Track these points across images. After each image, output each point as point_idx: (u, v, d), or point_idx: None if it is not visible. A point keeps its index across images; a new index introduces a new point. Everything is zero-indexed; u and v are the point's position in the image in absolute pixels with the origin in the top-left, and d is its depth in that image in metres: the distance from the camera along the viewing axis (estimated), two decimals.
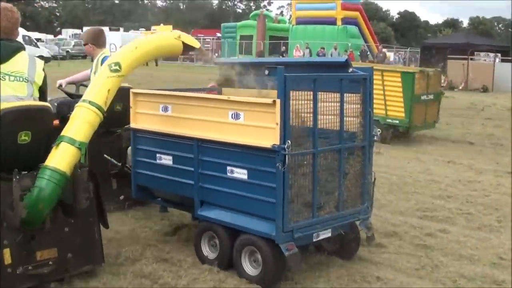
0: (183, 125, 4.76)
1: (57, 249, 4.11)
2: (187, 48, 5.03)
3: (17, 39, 4.22)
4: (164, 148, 4.98)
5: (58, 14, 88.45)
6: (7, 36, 4.10)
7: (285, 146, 3.98)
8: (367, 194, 4.79)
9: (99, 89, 4.34)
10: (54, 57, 39.82)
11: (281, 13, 79.17)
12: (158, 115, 4.99)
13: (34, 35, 51.92)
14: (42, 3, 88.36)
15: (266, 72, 4.80)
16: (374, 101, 4.92)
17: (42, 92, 4.19)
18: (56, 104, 6.13)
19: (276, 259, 4.20)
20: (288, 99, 4.04)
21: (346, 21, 39.19)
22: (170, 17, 74.66)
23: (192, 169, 4.70)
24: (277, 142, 4.01)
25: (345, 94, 4.55)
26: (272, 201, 4.11)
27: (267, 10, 65.21)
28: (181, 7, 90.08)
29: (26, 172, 3.96)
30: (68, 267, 4.17)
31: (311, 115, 4.35)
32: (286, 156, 4.00)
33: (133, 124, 5.22)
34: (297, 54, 34.42)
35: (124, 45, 5.14)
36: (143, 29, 56.11)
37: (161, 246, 5.03)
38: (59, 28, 71.54)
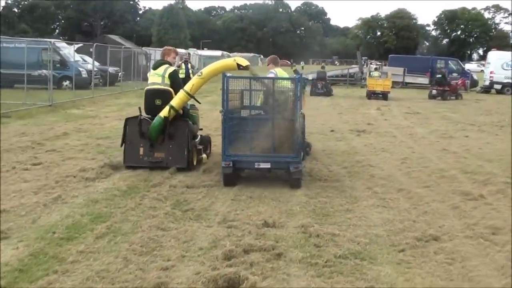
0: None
1: (164, 154, 9.29)
2: (239, 66, 9.07)
3: (168, 60, 9.64)
4: None
5: None
6: (163, 58, 9.66)
7: (220, 111, 8.16)
8: (296, 148, 8.12)
9: (190, 84, 9.25)
10: None
11: None
12: None
13: None
14: None
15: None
16: None
17: (172, 82, 9.40)
18: None
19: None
20: (228, 89, 8.09)
21: None
22: None
23: None
24: (221, 109, 8.22)
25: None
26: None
27: None
28: None
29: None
30: (168, 163, 9.27)
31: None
32: (221, 115, 8.14)
33: None
34: None
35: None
36: None
37: None
38: None
